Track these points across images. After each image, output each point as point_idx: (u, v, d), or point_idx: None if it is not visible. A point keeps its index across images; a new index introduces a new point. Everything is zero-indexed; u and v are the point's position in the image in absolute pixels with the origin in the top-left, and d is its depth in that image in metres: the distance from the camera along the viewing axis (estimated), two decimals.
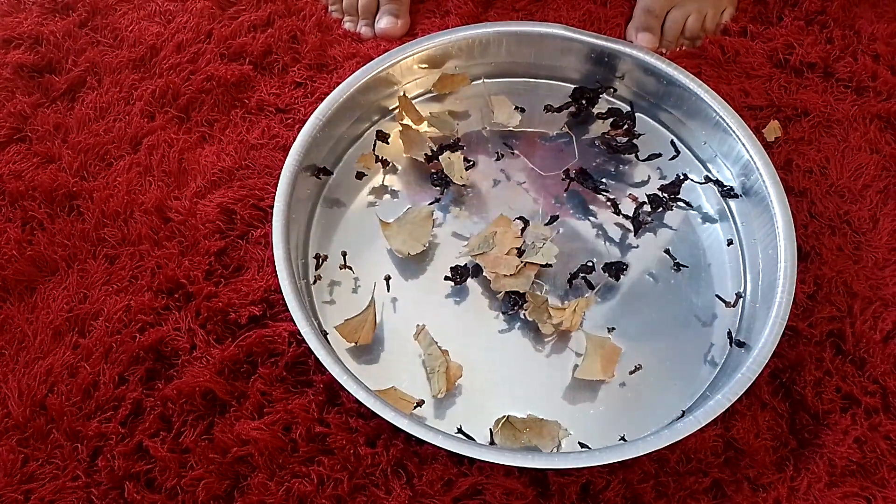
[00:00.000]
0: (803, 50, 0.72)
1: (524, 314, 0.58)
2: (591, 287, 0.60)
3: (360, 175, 0.66)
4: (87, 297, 0.60)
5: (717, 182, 0.65)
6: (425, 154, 0.65)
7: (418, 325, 0.58)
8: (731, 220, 0.64)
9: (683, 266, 0.62)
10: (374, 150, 0.66)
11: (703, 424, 0.51)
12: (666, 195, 0.64)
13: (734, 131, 0.63)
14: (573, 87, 0.69)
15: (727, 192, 0.64)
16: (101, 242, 0.63)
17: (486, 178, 0.66)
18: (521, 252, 0.60)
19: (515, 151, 0.66)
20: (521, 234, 0.61)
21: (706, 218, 0.65)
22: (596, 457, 0.50)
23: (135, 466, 0.54)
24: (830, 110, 0.70)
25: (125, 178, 0.66)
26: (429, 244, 0.62)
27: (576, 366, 0.57)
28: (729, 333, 0.59)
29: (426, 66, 0.68)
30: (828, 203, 0.65)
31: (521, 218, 0.62)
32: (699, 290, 0.61)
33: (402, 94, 0.67)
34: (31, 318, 0.60)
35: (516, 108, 0.68)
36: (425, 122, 0.68)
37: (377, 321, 0.59)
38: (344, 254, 0.62)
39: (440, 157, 0.64)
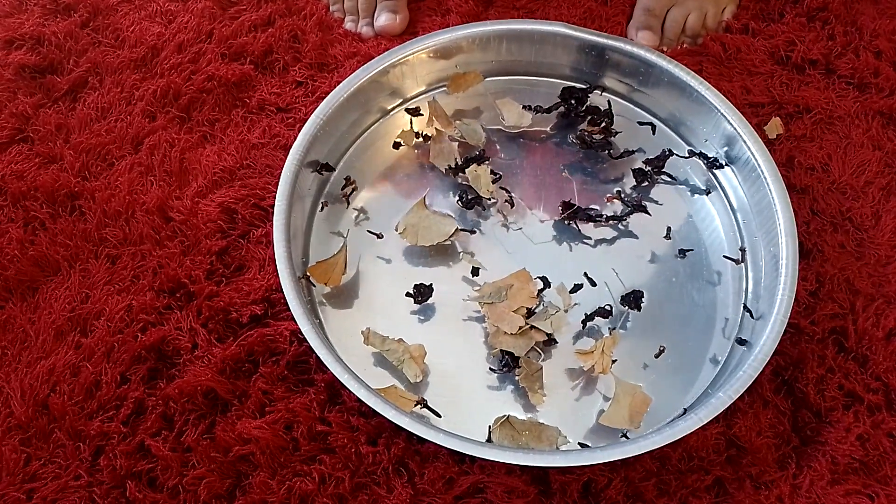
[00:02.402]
0: (805, 47, 0.72)
1: (516, 378, 0.56)
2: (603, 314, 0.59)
3: (396, 145, 0.67)
4: (89, 297, 0.61)
5: (701, 154, 0.66)
6: (448, 166, 0.65)
7: (363, 332, 0.57)
8: (734, 218, 0.64)
9: (689, 250, 0.62)
10: (411, 126, 0.67)
11: (705, 422, 0.51)
12: (650, 168, 0.65)
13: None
14: (570, 84, 0.69)
15: (712, 164, 0.65)
16: (103, 242, 0.63)
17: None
18: (530, 313, 0.58)
19: (514, 195, 0.64)
20: (538, 294, 0.59)
21: (708, 217, 0.65)
22: (598, 455, 0.50)
23: (137, 465, 0.54)
24: (832, 107, 0.70)
25: (127, 178, 0.66)
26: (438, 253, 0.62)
27: (601, 411, 0.56)
28: (745, 307, 0.59)
29: (432, 57, 0.68)
30: (830, 200, 0.65)
31: (542, 278, 0.59)
32: (700, 287, 0.61)
33: (431, 98, 0.67)
34: (34, 317, 0.60)
35: (524, 107, 0.68)
36: (454, 128, 0.67)
37: (346, 266, 0.60)
38: (355, 189, 0.64)
39: (467, 171, 0.64)
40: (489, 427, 0.54)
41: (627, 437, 0.54)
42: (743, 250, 0.62)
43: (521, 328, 0.56)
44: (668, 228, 0.63)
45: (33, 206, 0.65)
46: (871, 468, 0.54)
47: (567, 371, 0.58)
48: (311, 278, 0.59)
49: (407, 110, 0.67)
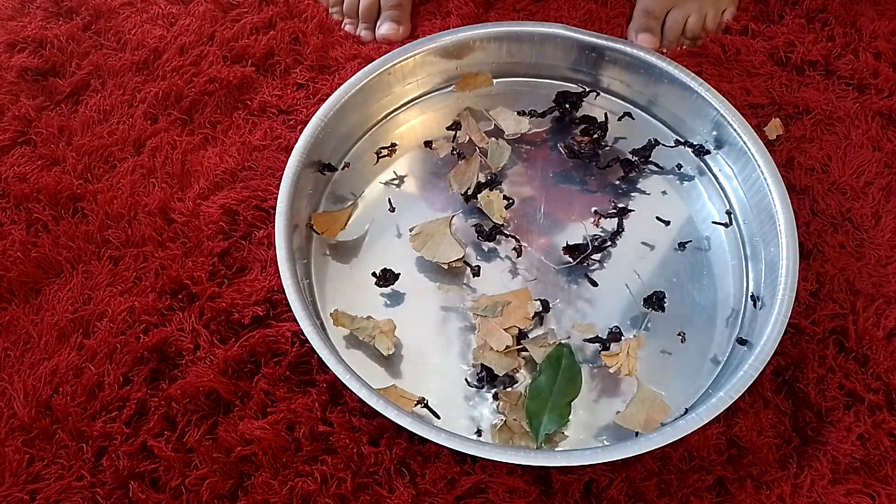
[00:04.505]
0: (804, 48, 0.72)
1: (502, 413, 0.55)
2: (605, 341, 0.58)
3: (427, 143, 0.67)
4: (92, 299, 0.61)
5: (688, 143, 0.66)
6: (461, 192, 0.64)
7: (332, 314, 0.58)
8: (734, 219, 0.64)
9: (687, 242, 0.62)
10: (454, 139, 0.67)
11: (706, 422, 0.51)
12: (637, 159, 0.65)
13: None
14: (570, 87, 0.69)
15: (699, 151, 0.66)
16: (106, 244, 0.64)
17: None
18: (522, 335, 0.57)
19: (525, 245, 0.62)
20: (533, 318, 0.57)
21: (708, 218, 0.65)
22: (599, 454, 0.50)
23: (139, 466, 0.54)
24: (832, 108, 0.70)
25: (129, 180, 0.66)
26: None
27: (617, 412, 0.55)
28: (754, 296, 0.59)
29: (433, 59, 0.69)
30: (830, 200, 0.65)
31: (542, 301, 0.58)
32: (701, 288, 0.61)
33: (464, 109, 0.68)
34: (36, 319, 0.60)
35: (518, 112, 0.68)
36: (486, 143, 0.66)
37: (348, 224, 0.62)
38: (389, 156, 0.67)
39: (479, 196, 0.63)
40: (493, 424, 0.54)
41: (638, 434, 0.54)
42: (729, 213, 0.63)
43: (507, 348, 0.55)
44: (658, 217, 0.64)
45: (36, 208, 0.65)
46: (872, 468, 0.54)
47: (588, 373, 0.58)
48: (313, 226, 0.61)
49: (448, 127, 0.67)
